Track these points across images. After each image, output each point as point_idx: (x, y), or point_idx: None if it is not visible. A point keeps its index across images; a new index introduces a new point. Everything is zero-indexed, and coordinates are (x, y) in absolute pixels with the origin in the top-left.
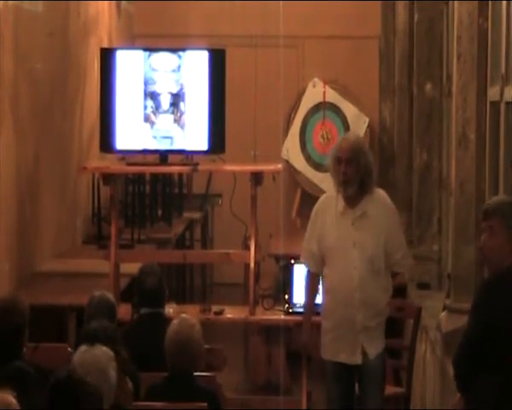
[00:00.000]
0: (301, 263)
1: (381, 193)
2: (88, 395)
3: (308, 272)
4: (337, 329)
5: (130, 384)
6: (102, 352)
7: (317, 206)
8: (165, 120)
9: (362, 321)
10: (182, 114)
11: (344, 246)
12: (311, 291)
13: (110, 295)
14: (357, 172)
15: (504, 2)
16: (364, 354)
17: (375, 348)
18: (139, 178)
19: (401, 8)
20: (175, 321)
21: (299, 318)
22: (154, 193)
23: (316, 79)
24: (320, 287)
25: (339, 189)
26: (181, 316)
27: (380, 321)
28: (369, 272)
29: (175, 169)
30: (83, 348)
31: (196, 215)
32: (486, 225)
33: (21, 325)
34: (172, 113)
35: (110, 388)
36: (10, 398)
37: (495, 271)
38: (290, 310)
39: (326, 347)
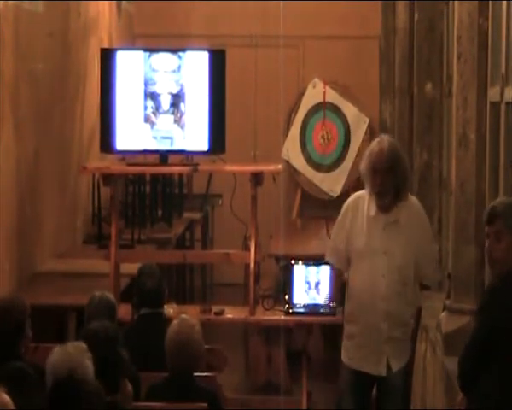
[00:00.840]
0: (302, 264)
1: (415, 202)
2: (89, 394)
3: (332, 269)
4: (362, 336)
5: (129, 387)
6: (74, 347)
7: (347, 204)
8: (165, 121)
9: (387, 331)
10: (182, 114)
11: (373, 252)
12: (337, 287)
13: (110, 296)
14: (393, 182)
15: (504, 2)
16: (388, 365)
17: (398, 360)
18: (139, 178)
19: (401, 9)
20: (175, 322)
21: (299, 318)
22: (154, 193)
23: (316, 80)
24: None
25: (373, 196)
26: (181, 316)
27: (405, 333)
28: (396, 282)
29: (175, 169)
30: (55, 349)
31: (196, 215)
32: (491, 230)
33: (20, 325)
34: (172, 113)
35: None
36: (4, 396)
37: (500, 273)
38: (290, 310)
39: (349, 352)
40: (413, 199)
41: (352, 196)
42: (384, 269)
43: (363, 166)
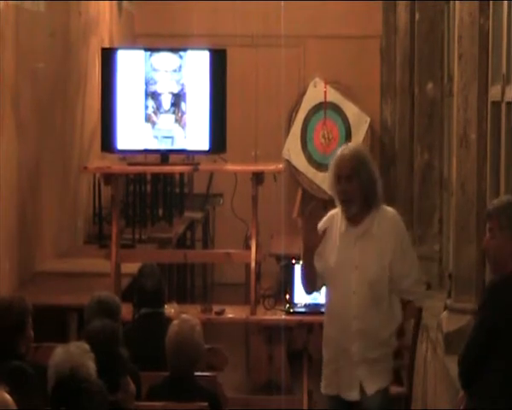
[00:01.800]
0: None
1: (389, 211)
2: (91, 393)
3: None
4: (335, 361)
5: (132, 386)
6: (76, 347)
7: (320, 223)
8: (166, 120)
9: (359, 353)
10: (183, 113)
11: (344, 268)
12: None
13: (111, 295)
14: (359, 189)
15: (505, 2)
16: (362, 389)
17: (374, 383)
18: (140, 177)
19: (402, 8)
20: (175, 321)
21: (300, 317)
22: (155, 193)
23: (317, 79)
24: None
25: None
26: (181, 316)
27: (382, 353)
28: (369, 299)
29: (176, 169)
30: (57, 349)
31: (197, 215)
32: (488, 226)
33: (20, 324)
34: (173, 113)
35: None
36: (6, 395)
37: (499, 272)
38: (291, 310)
39: (326, 380)
40: (388, 209)
41: (327, 215)
42: (355, 285)
43: (328, 176)
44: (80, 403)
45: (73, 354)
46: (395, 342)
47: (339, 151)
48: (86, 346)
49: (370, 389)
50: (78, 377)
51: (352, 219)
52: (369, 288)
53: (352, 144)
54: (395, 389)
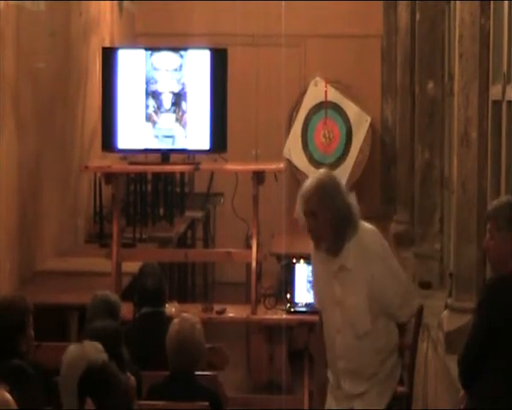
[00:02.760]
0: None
1: (366, 234)
2: (117, 390)
3: (319, 315)
4: (332, 391)
5: (132, 379)
6: (91, 345)
7: (312, 247)
8: (166, 120)
9: (349, 389)
10: (183, 113)
11: (327, 304)
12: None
13: (112, 295)
14: (327, 225)
15: (506, 2)
16: None
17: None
18: (141, 177)
19: (403, 8)
20: (176, 320)
21: (300, 317)
22: (155, 192)
23: (318, 78)
24: None
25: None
26: (182, 315)
27: (375, 383)
28: (352, 338)
29: (177, 168)
30: (71, 347)
31: (198, 214)
32: (487, 227)
33: (21, 324)
34: (174, 112)
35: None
36: (6, 395)
37: (500, 272)
38: (292, 309)
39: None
40: (365, 231)
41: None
42: (338, 324)
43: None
44: (109, 394)
45: (88, 351)
46: (394, 357)
47: (304, 183)
48: (100, 346)
49: None
50: (109, 369)
51: (329, 251)
52: (352, 327)
53: (318, 175)
54: (396, 389)
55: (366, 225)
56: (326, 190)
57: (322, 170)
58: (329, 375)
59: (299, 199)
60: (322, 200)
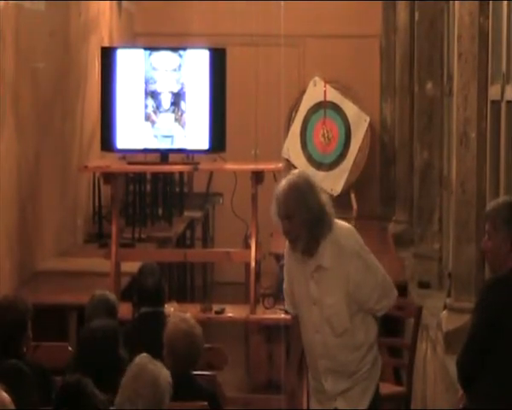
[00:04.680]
0: None
1: (341, 232)
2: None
3: (292, 317)
4: (315, 393)
5: None
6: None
7: (286, 248)
8: (165, 119)
9: (333, 390)
10: (182, 113)
11: (304, 304)
12: (296, 339)
13: (111, 295)
14: (301, 226)
15: (505, 2)
16: None
17: (355, 405)
18: (140, 177)
19: (402, 8)
20: (173, 320)
21: None
22: (154, 192)
23: (317, 78)
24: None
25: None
26: (179, 315)
27: (357, 380)
28: (331, 336)
29: (176, 168)
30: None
31: (197, 214)
32: (485, 228)
33: (22, 324)
34: (173, 112)
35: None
36: (3, 394)
37: (497, 272)
38: None
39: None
40: (342, 229)
41: (286, 247)
42: (317, 323)
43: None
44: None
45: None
46: (374, 351)
47: (278, 186)
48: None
49: None
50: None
51: (305, 251)
52: (330, 326)
53: (290, 177)
54: (395, 389)
55: (340, 223)
56: (299, 191)
57: (295, 170)
58: (310, 378)
59: (273, 202)
60: (296, 202)
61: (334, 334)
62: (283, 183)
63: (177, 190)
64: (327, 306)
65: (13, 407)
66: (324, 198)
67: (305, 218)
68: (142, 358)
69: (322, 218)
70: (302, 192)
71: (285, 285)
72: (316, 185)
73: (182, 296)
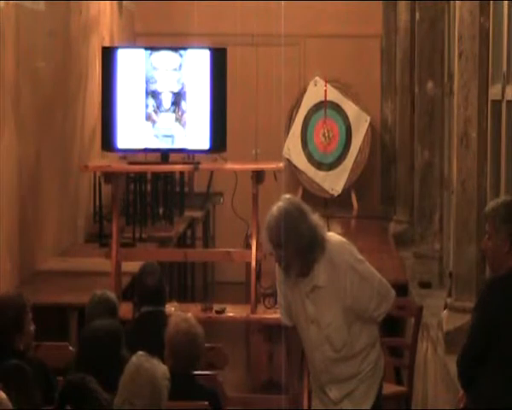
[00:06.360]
0: None
1: (334, 248)
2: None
3: (285, 329)
4: (318, 394)
5: None
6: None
7: (277, 268)
8: (166, 119)
9: (338, 396)
10: (183, 112)
11: (302, 322)
12: (293, 351)
13: (111, 294)
14: (294, 253)
15: (506, 1)
16: None
17: (360, 406)
18: (140, 176)
19: (402, 7)
20: (174, 319)
21: None
22: (155, 192)
23: (317, 78)
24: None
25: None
26: (180, 314)
27: (361, 380)
28: (331, 352)
29: (176, 168)
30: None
31: (198, 214)
32: (486, 228)
33: (17, 321)
34: (174, 111)
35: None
36: (1, 393)
37: (497, 272)
38: None
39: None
40: (333, 244)
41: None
42: (316, 342)
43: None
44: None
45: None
46: (376, 350)
47: (268, 214)
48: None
49: None
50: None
51: (300, 272)
52: (329, 343)
53: (281, 202)
54: (395, 388)
55: (333, 239)
56: (290, 219)
57: (283, 197)
58: (312, 382)
59: (264, 230)
60: (287, 231)
61: (333, 350)
62: (274, 211)
63: (178, 189)
64: (325, 324)
65: (9, 403)
66: (315, 220)
67: (297, 246)
68: (139, 357)
69: (314, 242)
70: (293, 220)
71: (279, 299)
72: (306, 210)
73: (182, 296)
